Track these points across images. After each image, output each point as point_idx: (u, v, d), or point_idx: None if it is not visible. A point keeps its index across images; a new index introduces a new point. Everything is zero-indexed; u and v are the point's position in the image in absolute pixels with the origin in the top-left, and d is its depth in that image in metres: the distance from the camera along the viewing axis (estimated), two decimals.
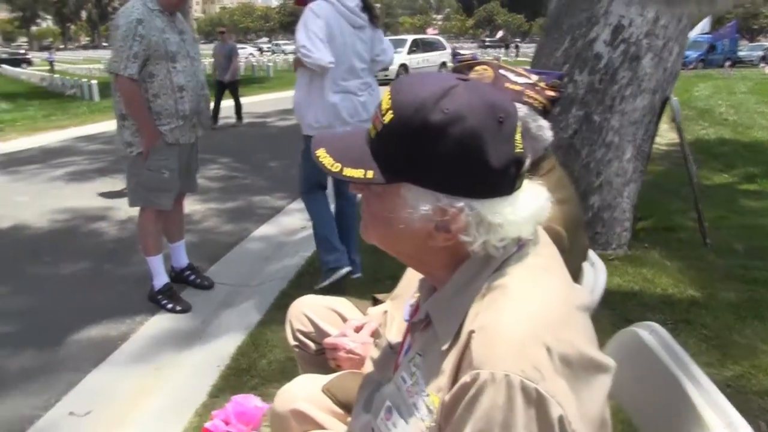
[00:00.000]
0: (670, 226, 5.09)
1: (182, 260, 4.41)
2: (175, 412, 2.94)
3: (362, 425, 1.21)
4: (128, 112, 3.75)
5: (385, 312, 1.39)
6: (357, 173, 1.01)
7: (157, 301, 4.08)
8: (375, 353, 1.37)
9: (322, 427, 1.64)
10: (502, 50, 45.81)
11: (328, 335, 2.05)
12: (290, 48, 66.42)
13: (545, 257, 1.08)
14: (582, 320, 1.01)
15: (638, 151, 4.46)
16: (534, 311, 0.95)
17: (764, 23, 73.64)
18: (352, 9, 3.81)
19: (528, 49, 52.31)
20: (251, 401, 1.37)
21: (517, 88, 1.75)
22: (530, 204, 1.03)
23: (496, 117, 0.96)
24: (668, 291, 3.88)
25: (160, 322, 3.89)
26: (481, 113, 0.96)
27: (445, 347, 1.00)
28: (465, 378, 0.91)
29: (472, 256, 1.03)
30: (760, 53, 38.72)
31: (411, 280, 1.38)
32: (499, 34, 62.46)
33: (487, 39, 72.92)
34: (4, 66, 46.22)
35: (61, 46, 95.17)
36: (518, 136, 1.00)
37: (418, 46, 25.84)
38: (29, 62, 52.52)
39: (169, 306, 4.03)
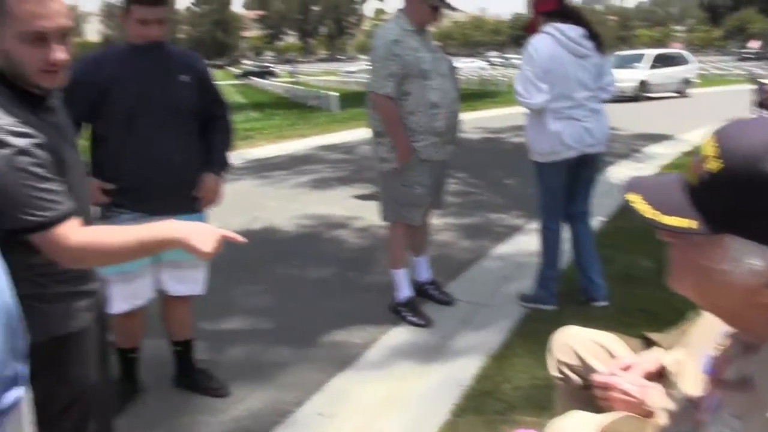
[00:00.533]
0: None
1: (424, 274, 4.47)
2: (418, 426, 2.98)
3: None
4: (385, 129, 3.89)
5: (677, 362, 1.29)
6: (678, 222, 0.98)
7: (399, 312, 4.16)
8: (668, 403, 1.30)
9: None
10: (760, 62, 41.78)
11: (594, 371, 1.96)
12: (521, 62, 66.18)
13: None
14: None
15: None
16: None
17: None
18: (574, 39, 3.89)
19: None
20: None
21: None
22: None
23: None
24: None
25: (401, 334, 3.97)
26: None
27: None
28: None
29: None
30: None
31: (709, 328, 1.28)
32: (755, 44, 57.08)
33: (743, 51, 66.94)
34: (253, 78, 50.88)
35: (301, 60, 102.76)
36: None
37: (659, 61, 24.30)
38: (274, 74, 57.39)
39: (411, 318, 4.10)
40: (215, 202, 3.17)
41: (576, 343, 2.11)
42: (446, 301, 4.39)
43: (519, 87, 3.96)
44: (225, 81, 53.32)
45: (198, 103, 3.02)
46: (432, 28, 4.20)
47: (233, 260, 5.37)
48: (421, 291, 4.42)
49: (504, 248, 5.59)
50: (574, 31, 3.91)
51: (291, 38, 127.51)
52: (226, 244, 1.77)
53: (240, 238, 1.82)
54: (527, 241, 5.71)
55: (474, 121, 13.06)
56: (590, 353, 2.07)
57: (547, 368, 2.19)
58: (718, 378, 1.11)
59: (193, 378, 3.39)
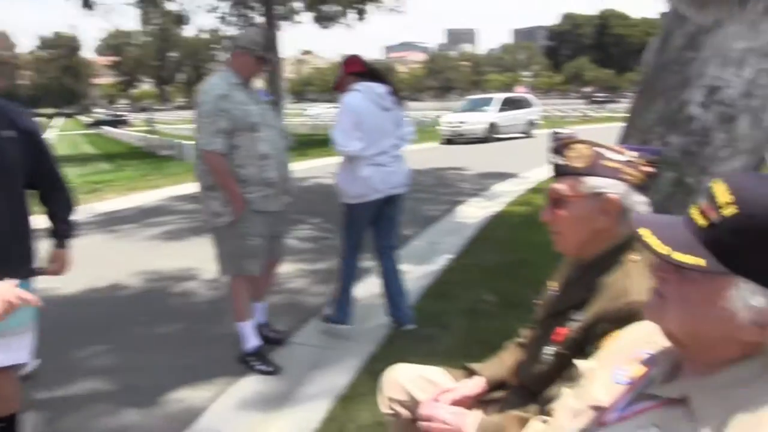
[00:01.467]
0: None
1: (260, 318, 4.49)
2: None
3: None
4: (217, 183, 3.90)
5: (591, 369, 1.41)
6: (688, 259, 1.05)
7: (248, 362, 4.12)
8: (573, 404, 1.39)
9: None
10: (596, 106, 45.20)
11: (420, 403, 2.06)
12: None
13: None
14: None
15: None
16: None
17: None
18: (380, 95, 4.34)
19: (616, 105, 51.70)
20: None
21: (615, 165, 1.76)
22: None
23: None
24: None
25: (249, 384, 3.92)
26: None
27: None
28: None
29: (763, 353, 1.07)
30: None
31: (623, 346, 1.39)
32: (589, 89, 62.10)
33: (596, 95, 71.99)
34: (104, 127, 49.11)
35: (158, 107, 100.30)
36: None
37: (507, 104, 25.74)
38: (127, 123, 55.76)
39: (260, 367, 4.07)
40: (64, 272, 3.04)
41: (404, 379, 2.21)
42: (278, 340, 4.46)
43: (338, 137, 4.28)
44: (74, 131, 51.22)
45: (26, 162, 2.81)
46: (292, 75, 4.35)
47: (76, 321, 5.15)
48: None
49: (355, 291, 5.66)
50: (379, 88, 4.35)
51: (147, 85, 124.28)
52: (67, 304, 1.70)
53: (37, 302, 1.72)
54: (377, 283, 5.83)
55: (329, 166, 13.18)
56: (417, 387, 2.17)
57: (380, 407, 2.26)
58: (644, 391, 1.20)
59: None
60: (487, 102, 26.22)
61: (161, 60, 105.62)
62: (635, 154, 1.78)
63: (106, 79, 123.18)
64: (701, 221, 1.08)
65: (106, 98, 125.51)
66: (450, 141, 24.15)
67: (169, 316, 5.25)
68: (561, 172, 1.81)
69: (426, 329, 4.48)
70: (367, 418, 3.25)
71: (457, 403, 2.01)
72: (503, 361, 2.16)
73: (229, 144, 3.86)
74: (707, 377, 1.09)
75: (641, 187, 1.78)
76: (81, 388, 3.98)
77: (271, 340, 4.46)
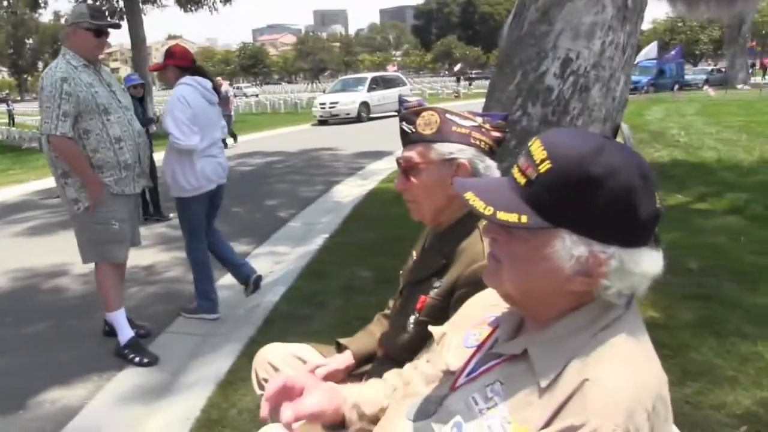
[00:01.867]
0: None
1: None
2: None
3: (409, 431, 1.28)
4: (70, 169, 3.81)
5: (444, 334, 1.45)
6: (511, 217, 1.09)
7: (124, 355, 4.05)
8: (426, 369, 1.44)
9: None
10: (458, 83, 46.39)
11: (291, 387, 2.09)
12: (251, 91, 66.59)
13: (640, 320, 1.18)
14: (666, 395, 1.11)
15: None
16: (643, 379, 1.05)
17: (704, 49, 76.58)
18: (208, 89, 4.49)
19: (485, 81, 53.14)
20: None
21: (464, 131, 1.80)
22: (658, 261, 1.12)
23: (643, 173, 1.08)
24: None
25: (128, 378, 3.86)
26: (632, 169, 1.07)
27: (544, 385, 1.09)
28: (573, 420, 1.01)
29: (596, 301, 1.13)
30: (704, 77, 41.00)
31: (474, 310, 1.44)
32: (458, 66, 63.48)
33: (466, 72, 73.83)
34: None
35: (17, 98, 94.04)
36: (657, 193, 1.10)
37: (378, 84, 26.03)
38: None
39: (137, 359, 4.01)
40: None
41: (274, 359, 2.24)
42: (143, 335, 4.36)
43: (175, 131, 4.26)
44: None
45: None
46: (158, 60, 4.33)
47: None
48: (113, 331, 4.29)
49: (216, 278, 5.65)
50: (206, 83, 4.48)
51: (3, 74, 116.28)
52: None
53: None
54: (255, 266, 5.83)
55: None
56: (287, 366, 2.20)
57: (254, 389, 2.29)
58: (489, 351, 1.26)
59: None
60: (360, 82, 26.40)
61: (17, 48, 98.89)
62: (483, 119, 1.84)
63: None
64: (521, 179, 1.12)
65: None
66: (323, 122, 24.17)
67: (39, 315, 5.04)
68: (411, 139, 1.84)
69: (303, 309, 4.54)
70: (248, 401, 3.28)
71: (328, 377, 2.05)
72: (371, 334, 2.20)
73: (79, 128, 3.77)
74: (544, 331, 1.17)
75: (490, 151, 1.84)
76: None
77: (139, 335, 4.34)
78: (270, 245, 6.65)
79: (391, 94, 25.99)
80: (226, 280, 5.54)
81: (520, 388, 1.13)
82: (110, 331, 4.31)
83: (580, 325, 1.13)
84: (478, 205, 1.13)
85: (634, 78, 35.19)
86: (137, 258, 5.44)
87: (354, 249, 5.99)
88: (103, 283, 4.09)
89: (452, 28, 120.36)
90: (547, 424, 1.05)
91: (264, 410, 1.86)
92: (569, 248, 1.08)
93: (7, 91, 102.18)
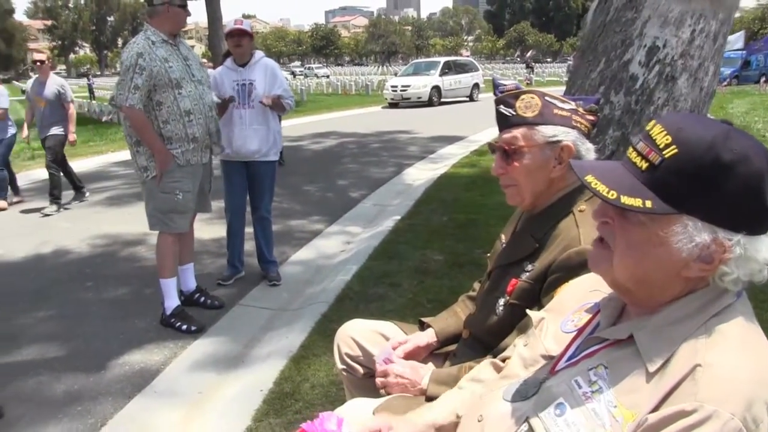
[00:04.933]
0: None
1: (191, 283, 4.54)
2: None
3: (507, 412, 1.26)
4: (140, 138, 3.95)
5: (542, 319, 1.43)
6: (635, 202, 1.06)
7: (171, 324, 4.18)
8: (524, 352, 1.42)
9: None
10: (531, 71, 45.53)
11: (373, 358, 2.08)
12: (322, 72, 66.98)
13: (751, 310, 1.13)
14: None
15: None
16: (762, 368, 1.01)
17: None
18: None
19: (558, 69, 52.18)
20: (337, 418, 1.42)
21: (565, 113, 1.76)
22: None
23: None
24: None
25: (202, 347, 3.93)
26: (761, 155, 1.04)
27: (652, 369, 1.06)
28: (685, 406, 0.97)
29: (709, 287, 1.10)
30: None
31: (572, 296, 1.43)
32: (530, 53, 62.29)
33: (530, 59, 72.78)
34: None
35: (98, 73, 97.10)
36: None
37: (450, 69, 25.78)
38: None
39: (184, 327, 4.14)
40: None
41: (357, 335, 2.23)
42: (216, 306, 4.49)
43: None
44: (12, 97, 49.24)
45: None
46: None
47: (19, 288, 5.06)
48: (190, 300, 4.48)
49: (304, 253, 5.69)
50: None
51: (86, 50, 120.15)
52: (10, 271, 1.68)
53: None
54: (327, 245, 5.88)
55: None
56: (370, 342, 2.19)
57: (336, 364, 2.29)
58: (592, 335, 1.24)
59: None
60: (432, 66, 26.20)
61: (98, 25, 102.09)
62: (576, 103, 1.79)
63: (41, 44, 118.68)
64: (642, 163, 1.09)
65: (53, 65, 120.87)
66: (394, 105, 24.13)
67: (117, 281, 5.19)
68: (511, 122, 1.79)
69: (375, 288, 4.53)
70: (321, 377, 3.30)
71: (410, 354, 2.03)
72: (455, 314, 2.18)
73: (153, 101, 3.90)
74: (651, 317, 1.13)
75: (587, 134, 1.80)
76: (28, 355, 3.93)
77: (208, 305, 4.49)
78: (341, 224, 6.66)
79: (463, 80, 25.78)
80: (297, 256, 5.60)
81: (627, 373, 1.10)
82: (185, 301, 4.41)
83: (690, 310, 1.10)
84: (601, 188, 1.09)
85: None
86: (211, 230, 5.53)
87: (425, 232, 5.95)
88: (162, 251, 4.22)
89: (525, 14, 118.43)
90: (656, 409, 1.01)
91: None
92: (692, 234, 1.05)
93: (88, 66, 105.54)
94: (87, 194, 8.58)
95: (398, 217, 6.61)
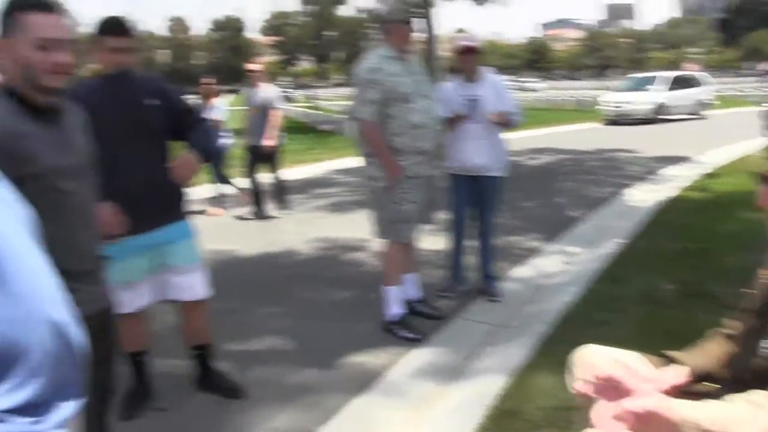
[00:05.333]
0: None
1: (413, 292, 4.60)
2: None
3: None
4: (371, 150, 4.10)
5: None
6: None
7: (392, 330, 4.28)
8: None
9: None
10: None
11: (615, 387, 1.97)
12: (539, 86, 65.97)
13: None
14: None
15: None
16: None
17: None
18: None
19: None
20: None
21: None
22: None
23: None
24: None
25: (423, 355, 3.99)
26: None
27: None
28: None
29: None
30: None
31: None
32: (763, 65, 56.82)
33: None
34: None
35: (317, 84, 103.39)
36: None
37: (675, 83, 24.10)
38: (290, 99, 57.61)
39: (405, 334, 4.23)
40: (187, 177, 3.18)
41: (597, 361, 2.12)
42: (436, 316, 4.53)
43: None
44: (241, 106, 53.80)
45: (168, 123, 3.17)
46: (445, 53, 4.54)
47: (253, 282, 5.47)
48: (411, 309, 4.53)
49: (522, 270, 5.61)
50: None
51: (306, 63, 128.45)
52: (242, 266, 1.84)
53: None
54: (545, 264, 5.76)
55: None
56: (611, 370, 2.08)
57: (568, 388, 2.20)
58: None
59: (211, 380, 3.58)
60: (649, 81, 24.78)
61: (319, 39, 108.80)
62: None
63: (268, 58, 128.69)
64: None
65: (268, 76, 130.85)
66: (613, 121, 23.14)
67: (342, 283, 5.44)
68: None
69: (600, 313, 4.34)
70: (546, 399, 3.21)
71: (662, 393, 1.91)
72: (707, 352, 2.00)
73: (384, 113, 4.03)
74: None
75: None
76: (264, 345, 4.24)
77: (428, 316, 4.55)
78: (560, 243, 6.49)
79: (689, 95, 24.12)
80: (516, 273, 5.54)
81: None
82: (412, 310, 4.51)
83: None
84: None
85: None
86: (434, 242, 5.62)
87: (652, 257, 5.63)
88: (388, 259, 4.38)
89: (766, 22, 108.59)
90: None
91: (584, 387, 1.87)
92: None
93: (309, 78, 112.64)
94: (290, 204, 8.73)
95: (621, 240, 6.32)
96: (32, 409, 1.38)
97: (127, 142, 3.02)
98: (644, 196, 8.81)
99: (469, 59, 4.69)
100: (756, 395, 1.49)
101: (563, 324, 4.21)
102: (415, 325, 4.34)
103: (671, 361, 2.05)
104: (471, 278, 5.12)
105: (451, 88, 4.79)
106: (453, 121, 4.62)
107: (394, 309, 4.34)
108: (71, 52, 2.06)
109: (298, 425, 3.23)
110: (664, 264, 5.40)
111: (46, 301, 1.38)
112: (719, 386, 1.88)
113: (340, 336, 4.31)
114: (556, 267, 5.64)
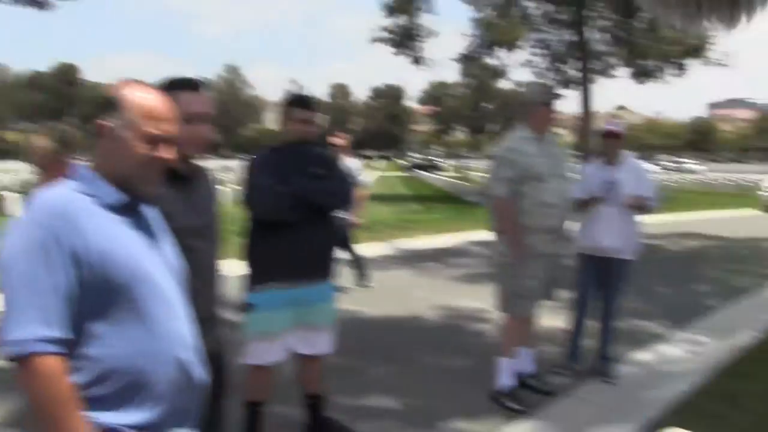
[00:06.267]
0: None
1: (527, 366, 4.64)
2: None
3: None
4: (500, 226, 4.27)
5: None
6: None
7: (497, 399, 4.37)
8: None
9: None
10: None
11: None
12: (692, 167, 63.08)
13: None
14: None
15: None
16: None
17: None
18: None
19: None
20: None
21: None
22: None
23: None
24: None
25: (524, 428, 4.07)
26: None
27: None
28: None
29: None
30: None
31: None
32: None
33: None
34: (418, 171, 52.43)
35: (469, 155, 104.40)
36: None
37: None
38: (438, 168, 58.69)
39: (509, 405, 4.30)
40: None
41: None
42: (547, 392, 4.55)
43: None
44: (391, 172, 55.44)
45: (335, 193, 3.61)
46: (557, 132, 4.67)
47: (374, 344, 5.73)
48: (523, 382, 4.58)
49: (643, 355, 5.51)
50: None
51: (460, 133, 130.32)
52: (368, 327, 2.05)
53: None
54: (667, 350, 5.63)
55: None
56: None
57: None
58: None
59: (324, 428, 3.81)
60: None
61: (476, 110, 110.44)
62: None
63: (424, 127, 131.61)
64: None
65: (422, 144, 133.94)
66: None
67: (461, 352, 5.59)
68: None
69: (715, 405, 4.23)
70: None
71: None
72: None
73: (519, 191, 4.19)
74: None
75: None
76: (374, 402, 4.46)
77: (539, 390, 4.59)
78: (689, 331, 6.29)
79: None
80: (636, 357, 5.46)
81: None
82: (523, 384, 4.58)
83: None
84: None
85: None
86: (557, 319, 5.66)
87: None
88: (506, 331, 4.52)
89: None
90: None
91: None
92: None
93: (462, 148, 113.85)
94: (370, 282, 8.30)
95: (758, 333, 6.05)
96: (153, 428, 1.70)
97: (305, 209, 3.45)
98: None
99: (611, 143, 4.84)
100: None
101: (673, 413, 4.14)
102: (524, 399, 4.41)
103: None
104: (588, 358, 5.11)
105: (591, 169, 4.93)
106: (588, 203, 4.75)
107: (505, 380, 4.44)
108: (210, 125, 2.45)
109: None
110: None
111: (178, 342, 1.73)
112: None
113: (449, 401, 4.45)
114: (679, 355, 5.50)
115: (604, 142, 4.86)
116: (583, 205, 4.73)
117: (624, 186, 4.71)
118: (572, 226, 4.69)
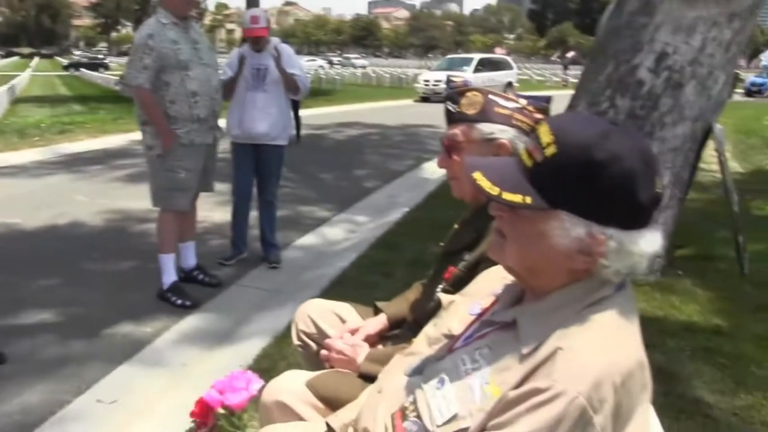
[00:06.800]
0: (710, 256, 5.02)
1: (191, 260, 4.66)
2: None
3: (402, 385, 1.34)
4: (145, 117, 4.08)
5: (452, 301, 1.50)
6: (515, 198, 1.13)
7: (166, 298, 4.32)
8: (431, 332, 1.50)
9: (301, 419, 1.74)
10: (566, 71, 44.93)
11: (328, 337, 2.16)
12: (360, 62, 67.04)
13: (632, 303, 1.20)
14: (642, 376, 1.11)
15: (676, 179, 4.42)
16: (617, 355, 1.08)
17: None
18: None
19: None
20: (248, 376, 1.41)
21: (506, 112, 1.83)
22: (656, 241, 1.14)
23: (645, 158, 1.10)
24: (693, 318, 3.84)
25: (194, 321, 4.06)
26: (635, 154, 1.09)
27: (525, 351, 1.12)
28: (539, 383, 1.04)
29: (591, 278, 1.15)
30: None
31: (486, 282, 1.48)
32: (570, 54, 61.38)
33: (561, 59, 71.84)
34: (82, 70, 48.24)
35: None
36: (658, 178, 1.12)
37: (484, 65, 25.71)
38: (106, 67, 54.58)
39: (179, 302, 4.27)
40: None
41: (314, 313, 2.33)
42: (213, 284, 4.61)
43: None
44: (51, 72, 50.28)
45: None
46: (273, 26, 4.49)
47: (31, 255, 5.23)
48: (189, 277, 4.60)
49: (308, 239, 5.79)
50: None
51: (128, 29, 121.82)
52: (24, 239, 1.79)
53: None
54: (332, 233, 5.98)
55: (302, 118, 13.20)
56: (326, 321, 2.29)
57: (293, 340, 2.37)
58: (487, 319, 1.30)
59: None
60: (466, 62, 26.17)
61: (142, 4, 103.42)
62: (527, 101, 1.86)
63: (85, 21, 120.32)
64: (528, 161, 1.15)
65: (84, 40, 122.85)
66: (425, 99, 24.12)
67: (124, 254, 5.34)
68: (454, 118, 1.88)
69: (369, 276, 4.62)
70: (299, 356, 3.38)
71: (363, 340, 2.12)
72: (407, 300, 2.25)
73: (160, 81, 4.02)
74: (537, 302, 1.20)
75: (529, 132, 1.83)
76: (29, 318, 4.08)
77: (205, 283, 4.61)
78: (350, 213, 6.76)
79: (495, 77, 25.58)
80: (302, 241, 5.71)
81: (504, 354, 1.17)
82: (184, 277, 4.54)
83: (569, 299, 1.16)
84: (485, 184, 1.16)
85: (758, 80, 33.02)
86: (219, 211, 5.66)
87: (430, 224, 5.99)
88: (162, 227, 4.39)
89: (570, 14, 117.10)
90: (518, 386, 1.08)
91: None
92: (568, 229, 1.11)
93: (129, 45, 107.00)
94: None
95: (407, 209, 6.68)
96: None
97: None
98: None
99: (256, 40, 4.77)
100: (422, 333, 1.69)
101: (332, 287, 4.42)
102: (191, 293, 4.37)
103: (378, 310, 2.27)
104: (253, 247, 5.21)
105: (238, 54, 4.83)
106: (229, 86, 4.68)
107: (169, 276, 4.35)
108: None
109: (52, 397, 3.17)
110: (439, 230, 5.64)
111: None
112: (403, 328, 2.11)
113: (115, 306, 4.26)
114: (341, 236, 5.88)
115: (250, 40, 4.81)
116: (228, 89, 4.66)
117: (272, 70, 4.74)
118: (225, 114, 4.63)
